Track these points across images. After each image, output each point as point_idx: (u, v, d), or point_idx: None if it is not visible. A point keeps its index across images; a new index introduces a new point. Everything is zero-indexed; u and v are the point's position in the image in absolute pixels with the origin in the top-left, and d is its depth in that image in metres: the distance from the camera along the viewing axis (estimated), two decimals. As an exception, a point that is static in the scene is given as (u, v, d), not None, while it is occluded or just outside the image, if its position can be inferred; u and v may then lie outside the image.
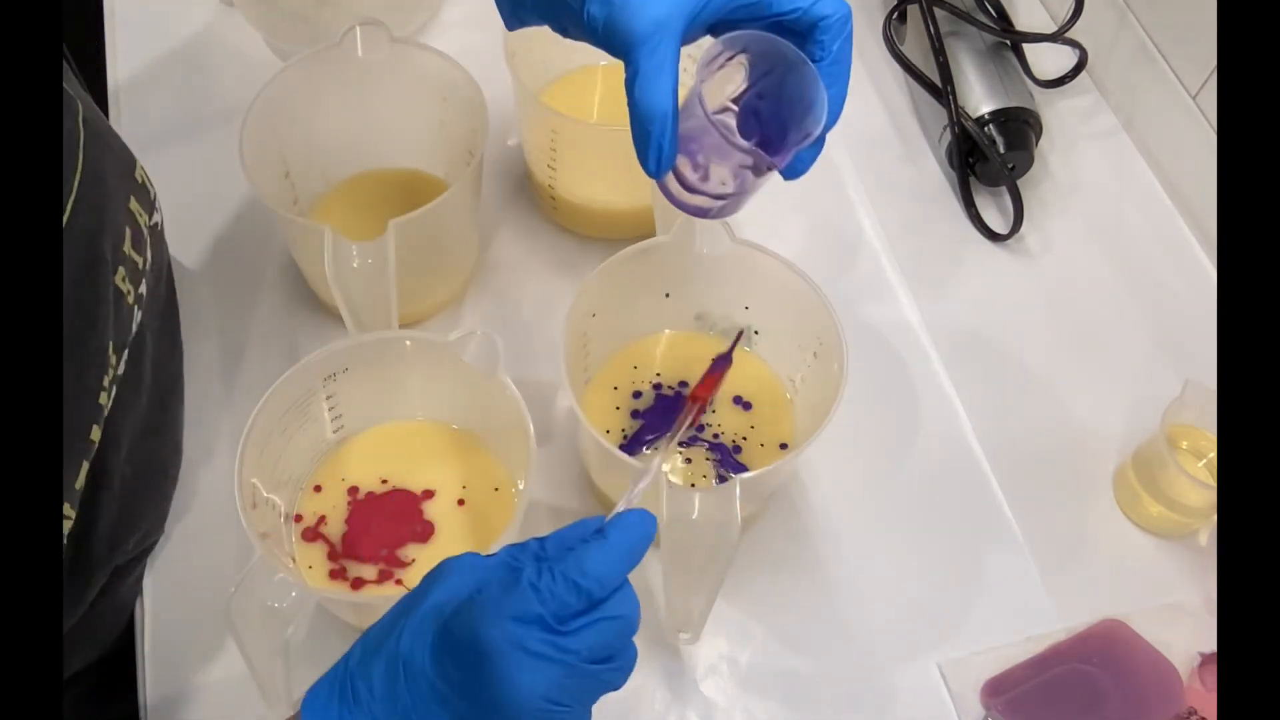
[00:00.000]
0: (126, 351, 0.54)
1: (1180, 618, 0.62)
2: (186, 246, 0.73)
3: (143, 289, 0.56)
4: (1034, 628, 0.61)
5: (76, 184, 0.49)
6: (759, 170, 0.48)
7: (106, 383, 0.52)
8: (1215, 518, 0.64)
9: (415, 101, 0.69)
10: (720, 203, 0.50)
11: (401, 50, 0.66)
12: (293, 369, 0.56)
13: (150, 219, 0.58)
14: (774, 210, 0.78)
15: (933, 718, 0.59)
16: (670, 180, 0.49)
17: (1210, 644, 0.61)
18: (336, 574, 0.58)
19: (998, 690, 0.59)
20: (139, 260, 0.56)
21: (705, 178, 0.49)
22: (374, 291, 0.59)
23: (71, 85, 0.53)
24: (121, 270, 0.53)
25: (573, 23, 0.49)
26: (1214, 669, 0.60)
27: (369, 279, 0.59)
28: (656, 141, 0.47)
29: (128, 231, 0.55)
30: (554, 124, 0.68)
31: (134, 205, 0.56)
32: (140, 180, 0.58)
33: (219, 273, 0.73)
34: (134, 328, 0.55)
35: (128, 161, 0.57)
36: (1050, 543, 0.65)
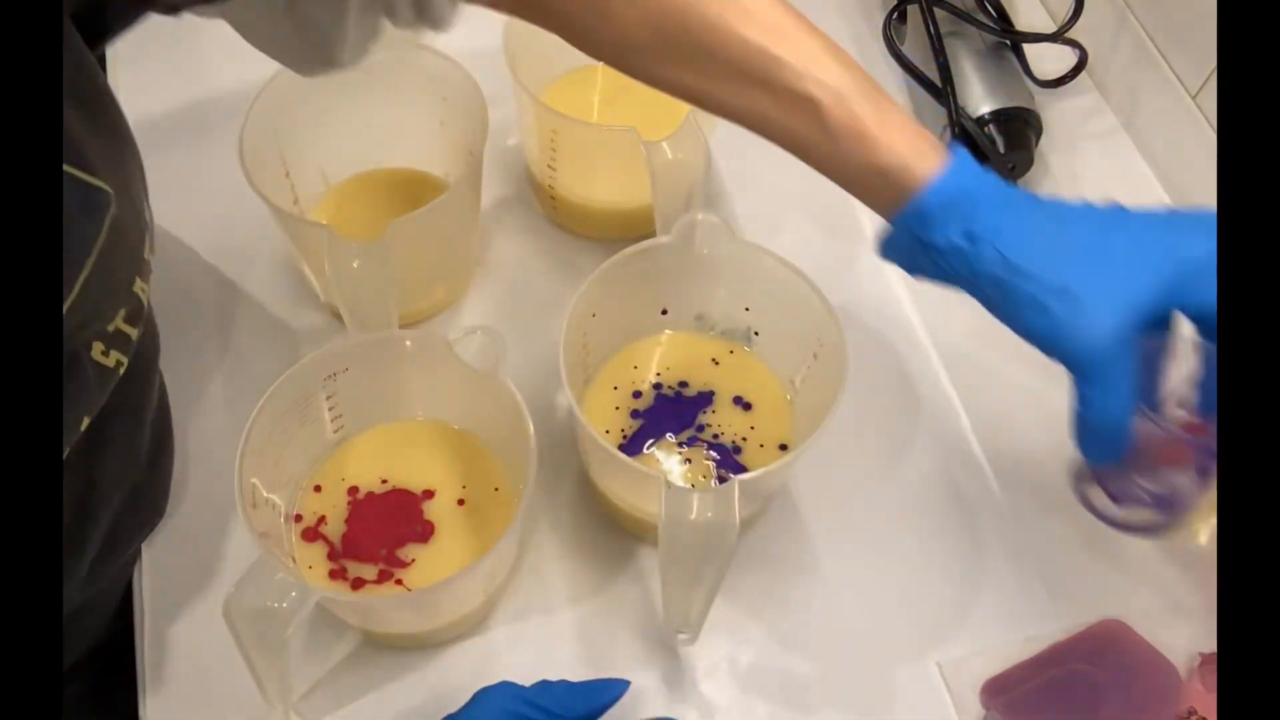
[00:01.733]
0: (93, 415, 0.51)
1: (1180, 618, 0.62)
2: (186, 247, 0.73)
3: (130, 354, 0.52)
4: (1034, 628, 0.61)
5: (76, 291, 0.43)
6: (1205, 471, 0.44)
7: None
8: (1215, 518, 0.64)
9: (415, 101, 0.69)
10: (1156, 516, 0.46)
11: (401, 50, 0.66)
12: (293, 369, 0.56)
13: (147, 294, 0.53)
14: (774, 210, 0.78)
15: (933, 718, 0.59)
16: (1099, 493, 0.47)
17: (1210, 644, 0.61)
18: (336, 574, 0.58)
19: (998, 690, 0.59)
20: (132, 333, 0.51)
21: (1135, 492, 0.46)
22: (374, 291, 0.59)
23: (119, 163, 0.47)
24: (100, 345, 0.48)
25: (1008, 317, 0.45)
26: (1214, 669, 0.60)
27: (369, 279, 0.59)
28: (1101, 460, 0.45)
29: (123, 312, 0.49)
30: (554, 124, 0.68)
31: (139, 286, 0.51)
32: (146, 256, 0.52)
33: (219, 273, 0.73)
34: (109, 391, 0.51)
35: (135, 245, 0.50)
36: (1050, 543, 0.65)
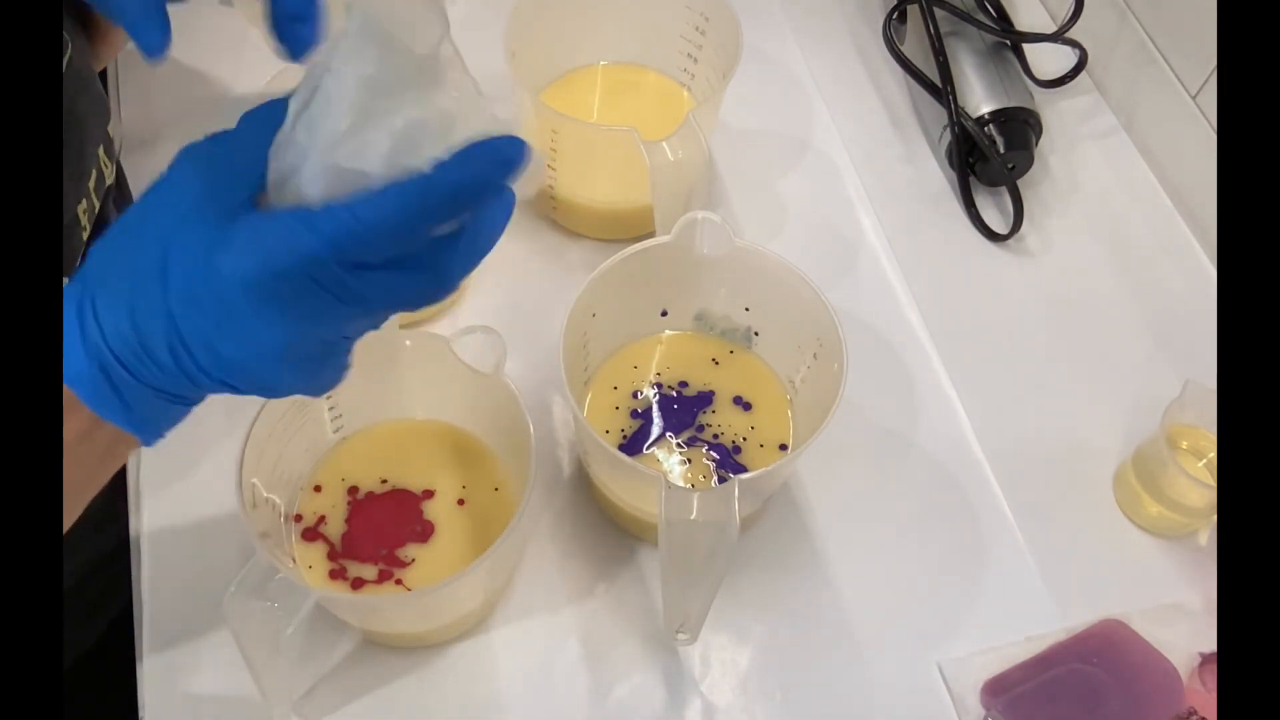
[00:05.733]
0: None
1: (1180, 618, 0.62)
2: (186, 246, 0.73)
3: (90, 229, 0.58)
4: (1034, 628, 0.61)
5: None
6: None
7: None
8: (1215, 518, 0.64)
9: (415, 101, 0.69)
10: None
11: (401, 50, 0.66)
12: (293, 369, 0.56)
13: (111, 170, 0.61)
14: (774, 210, 0.78)
15: (933, 718, 0.59)
16: None
17: (1210, 644, 0.61)
18: (336, 574, 0.58)
19: (998, 690, 0.59)
20: (96, 203, 0.58)
21: None
22: (374, 291, 0.59)
23: (68, 25, 0.54)
24: (84, 203, 0.55)
25: None
26: (1214, 669, 0.60)
27: (369, 279, 0.59)
28: None
29: (94, 173, 0.57)
30: (554, 124, 0.68)
31: (102, 154, 0.58)
32: (110, 134, 0.60)
33: (219, 273, 0.73)
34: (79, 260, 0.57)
35: (103, 114, 0.59)
36: (1050, 543, 0.65)
